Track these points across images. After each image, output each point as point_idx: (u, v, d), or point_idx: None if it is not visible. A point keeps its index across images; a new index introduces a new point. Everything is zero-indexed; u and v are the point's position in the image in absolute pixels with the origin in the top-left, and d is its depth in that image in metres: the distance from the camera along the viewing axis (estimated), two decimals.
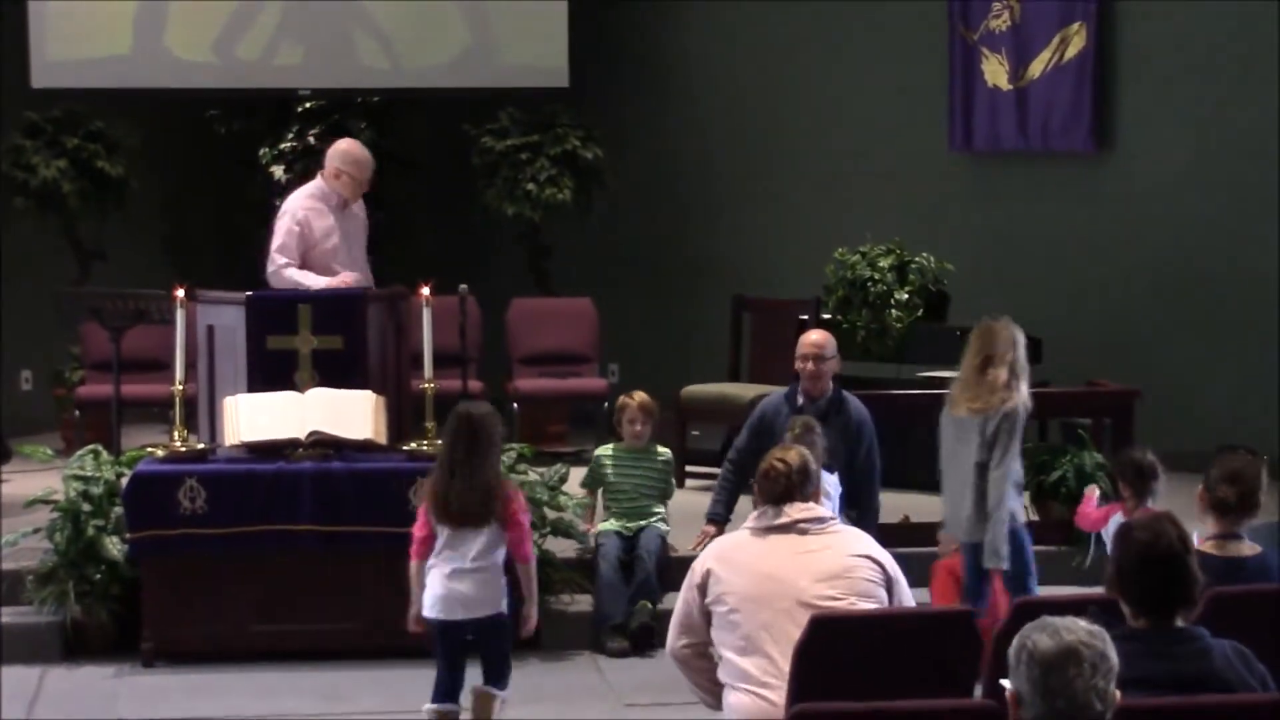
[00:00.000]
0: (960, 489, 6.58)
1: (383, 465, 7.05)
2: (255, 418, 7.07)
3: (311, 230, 7.83)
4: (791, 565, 4.69)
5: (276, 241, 7.80)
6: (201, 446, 7.19)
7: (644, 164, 11.31)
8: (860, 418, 7.30)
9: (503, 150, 10.76)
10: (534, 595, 5.94)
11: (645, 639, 7.12)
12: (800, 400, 7.39)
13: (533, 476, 7.38)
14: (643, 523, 7.47)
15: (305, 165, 10.68)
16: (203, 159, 11.21)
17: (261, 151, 10.81)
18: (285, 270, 7.74)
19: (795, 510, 4.78)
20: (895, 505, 7.84)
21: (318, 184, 8.00)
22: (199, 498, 6.89)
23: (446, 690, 5.85)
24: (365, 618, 6.99)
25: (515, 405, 9.81)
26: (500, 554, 5.79)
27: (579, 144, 10.72)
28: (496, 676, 5.87)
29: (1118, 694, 3.17)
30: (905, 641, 4.56)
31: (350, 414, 7.11)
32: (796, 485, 4.81)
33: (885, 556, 4.80)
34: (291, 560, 6.97)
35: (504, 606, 5.82)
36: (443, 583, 5.74)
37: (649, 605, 7.21)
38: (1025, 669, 3.16)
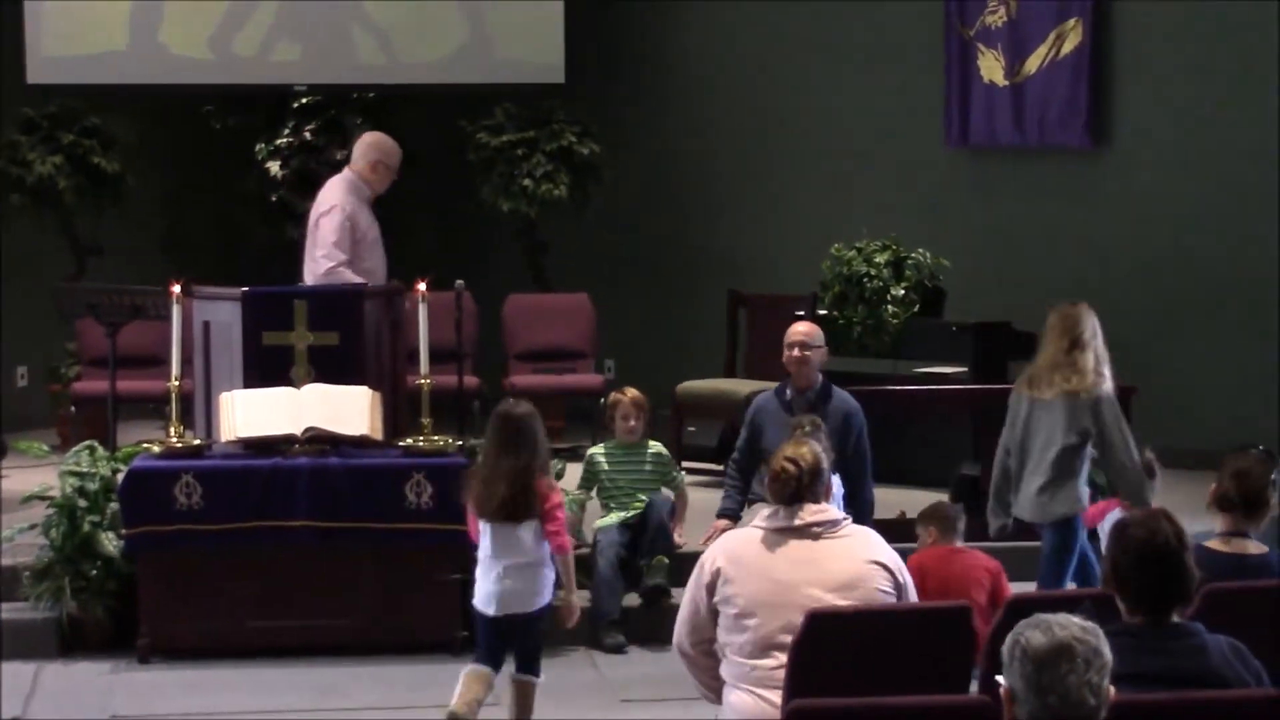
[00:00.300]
0: (1035, 470, 6.59)
1: (379, 461, 7.04)
2: (251, 414, 7.06)
3: (358, 225, 7.89)
4: (803, 573, 4.61)
5: (332, 238, 7.80)
6: (197, 442, 7.19)
7: (640, 160, 11.31)
8: (848, 409, 7.33)
9: (499, 146, 10.76)
10: (573, 586, 6.02)
11: (658, 600, 7.11)
12: (789, 394, 7.41)
13: None
14: (641, 509, 7.46)
15: (301, 161, 10.71)
16: (199, 155, 11.21)
17: (258, 147, 10.81)
18: (343, 271, 7.76)
19: (808, 513, 4.68)
20: (892, 501, 7.83)
21: (350, 179, 8.02)
22: (195, 494, 6.88)
23: (483, 657, 5.94)
24: (362, 614, 6.99)
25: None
26: (545, 548, 5.89)
27: (575, 140, 10.72)
28: (532, 664, 5.96)
29: (1112, 690, 3.17)
30: (901, 638, 4.55)
31: (346, 410, 7.10)
32: (807, 486, 4.70)
33: (895, 561, 4.73)
34: (288, 556, 6.96)
35: (543, 604, 5.92)
36: (496, 580, 5.83)
37: (664, 560, 7.24)
38: (1019, 666, 3.16)
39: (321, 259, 7.83)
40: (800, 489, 4.70)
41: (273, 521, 6.91)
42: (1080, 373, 6.54)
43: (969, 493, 8.10)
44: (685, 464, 9.17)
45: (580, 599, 7.20)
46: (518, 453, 5.84)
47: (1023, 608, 4.12)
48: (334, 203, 7.90)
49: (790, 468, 4.71)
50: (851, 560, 4.65)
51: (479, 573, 5.89)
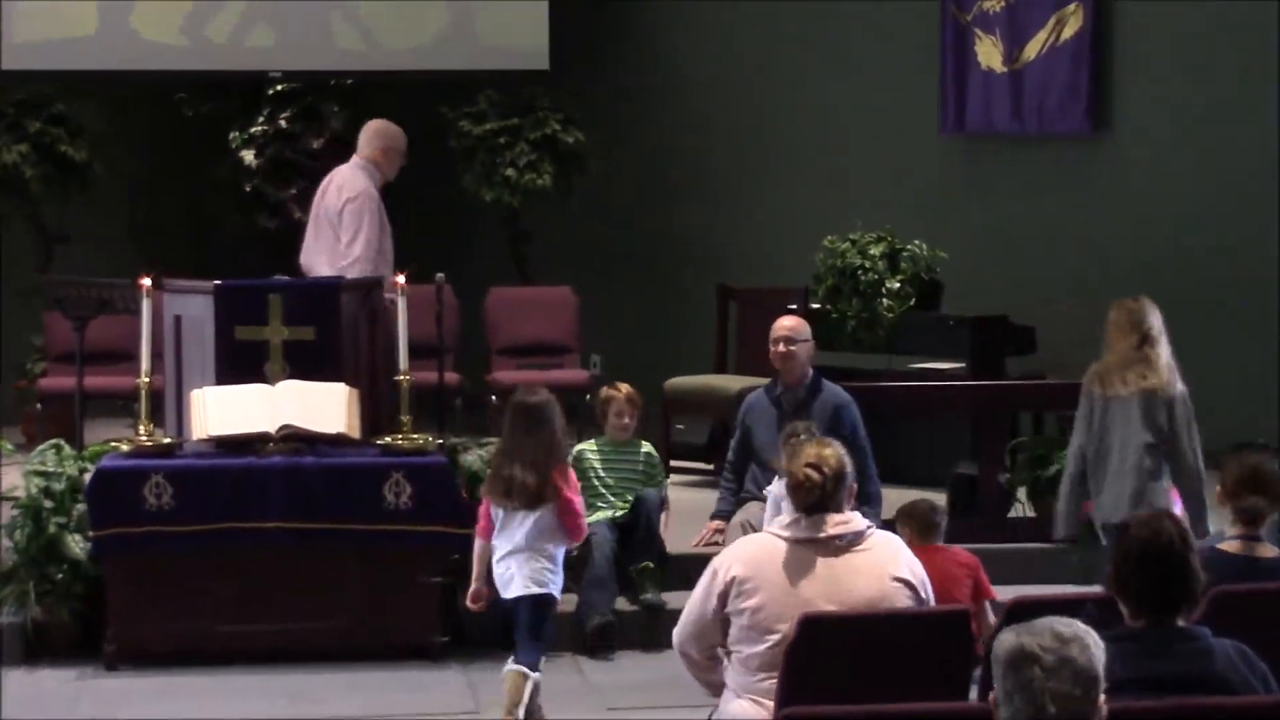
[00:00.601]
0: (1119, 470, 6.59)
1: (356, 460, 7.01)
2: (224, 411, 7.03)
3: (382, 215, 7.92)
4: (825, 591, 4.51)
5: (367, 229, 7.82)
6: (168, 441, 7.15)
7: (627, 148, 11.28)
8: (838, 402, 7.35)
9: (481, 134, 10.75)
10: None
11: (651, 616, 7.07)
12: (778, 390, 7.40)
13: None
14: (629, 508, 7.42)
15: (277, 149, 10.69)
16: (171, 142, 11.18)
17: (231, 135, 10.79)
18: (366, 266, 7.77)
19: (832, 524, 4.57)
20: (888, 501, 7.79)
21: (364, 165, 8.03)
22: (165, 494, 6.84)
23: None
24: (338, 618, 6.96)
25: (493, 398, 9.77)
26: (556, 539, 6.13)
27: (559, 128, 10.71)
28: (529, 654, 6.08)
29: (1102, 700, 3.15)
30: (898, 642, 4.52)
31: (322, 407, 7.07)
32: (830, 494, 4.58)
33: (918, 574, 4.64)
34: (261, 558, 6.92)
35: (554, 590, 6.15)
36: (498, 563, 6.14)
37: (651, 565, 7.20)
38: (994, 669, 3.18)
39: (349, 246, 7.82)
40: (824, 497, 4.57)
41: (246, 523, 6.87)
42: (1156, 369, 6.60)
43: (966, 492, 8.09)
44: (673, 463, 9.16)
45: (565, 605, 7.18)
46: (533, 442, 6.10)
47: (1024, 610, 4.12)
48: (361, 189, 7.90)
49: (814, 475, 4.58)
50: (875, 578, 4.56)
51: (493, 559, 6.17)
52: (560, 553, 6.18)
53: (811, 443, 4.82)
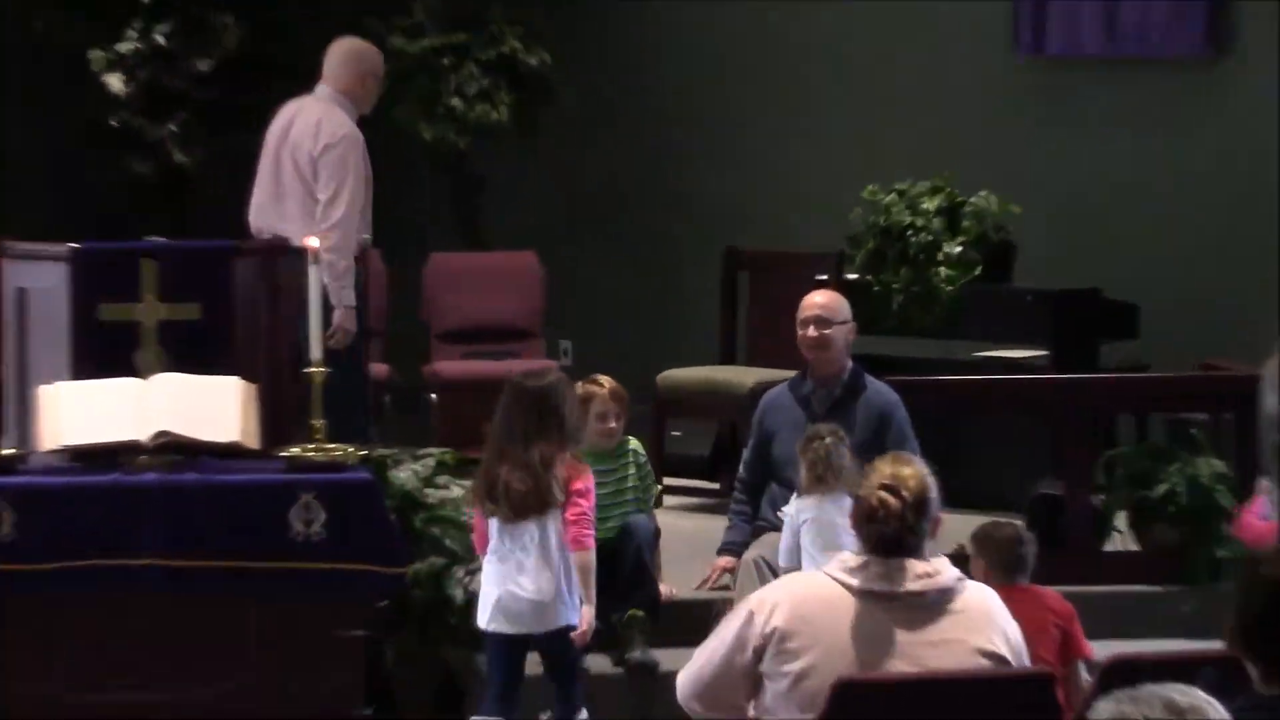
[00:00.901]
0: None
1: (254, 478, 7.00)
2: (82, 413, 7.01)
3: (366, 164, 8.10)
4: (895, 662, 4.47)
5: (352, 186, 7.97)
6: (8, 452, 7.12)
7: (606, 74, 11.30)
8: (885, 402, 7.41)
9: (418, 54, 10.75)
10: (591, 595, 6.49)
11: (641, 680, 7.09)
12: (807, 386, 7.40)
13: (456, 491, 7.37)
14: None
15: (151, 74, 10.66)
16: (15, 66, 11.17)
17: (93, 55, 10.76)
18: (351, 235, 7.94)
19: (913, 575, 4.51)
20: (945, 529, 7.76)
21: (337, 99, 8.13)
22: (4, 522, 6.82)
23: (497, 707, 6.39)
24: (231, 683, 6.93)
25: (433, 395, 9.78)
26: (564, 554, 6.34)
27: (519, 46, 10.75)
28: (566, 699, 6.41)
29: None
30: (965, 713, 4.50)
31: (210, 408, 7.06)
32: (911, 527, 4.53)
33: (1014, 644, 4.60)
34: (132, 606, 6.90)
35: (572, 617, 6.41)
36: (497, 587, 6.36)
37: (640, 614, 7.21)
38: None
39: (328, 207, 7.96)
40: (902, 531, 4.53)
41: (111, 559, 6.83)
42: None
43: (1047, 518, 8.08)
44: (668, 480, 9.16)
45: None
46: (535, 438, 6.30)
47: (1124, 671, 4.11)
48: (344, 132, 8.05)
49: (891, 500, 4.54)
50: (959, 651, 4.52)
51: (484, 578, 6.38)
52: (572, 571, 6.34)
53: (886, 459, 4.77)
